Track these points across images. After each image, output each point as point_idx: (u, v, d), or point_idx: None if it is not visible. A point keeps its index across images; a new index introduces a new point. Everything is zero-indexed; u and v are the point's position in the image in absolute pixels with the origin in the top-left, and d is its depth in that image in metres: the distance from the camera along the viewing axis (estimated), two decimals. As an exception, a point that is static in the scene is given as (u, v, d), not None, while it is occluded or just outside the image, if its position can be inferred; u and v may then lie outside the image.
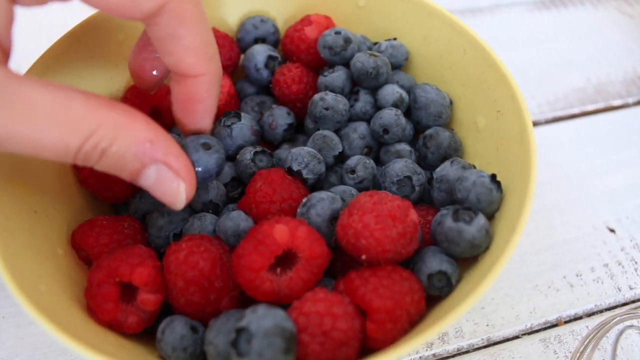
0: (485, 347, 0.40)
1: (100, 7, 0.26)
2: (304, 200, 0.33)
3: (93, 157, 0.25)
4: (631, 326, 0.36)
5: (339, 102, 0.37)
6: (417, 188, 0.35)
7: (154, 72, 0.34)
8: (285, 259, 0.30)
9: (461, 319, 0.41)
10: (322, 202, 0.32)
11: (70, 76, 0.37)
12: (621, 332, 0.35)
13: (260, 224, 0.30)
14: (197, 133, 0.33)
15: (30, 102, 0.24)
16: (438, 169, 0.35)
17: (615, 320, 0.36)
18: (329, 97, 0.37)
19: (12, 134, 0.24)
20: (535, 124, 0.53)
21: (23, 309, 0.26)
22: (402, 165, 0.35)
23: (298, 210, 0.32)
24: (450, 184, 0.34)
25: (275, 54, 0.42)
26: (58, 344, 0.39)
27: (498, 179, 0.32)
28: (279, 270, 0.29)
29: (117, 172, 0.27)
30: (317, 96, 0.37)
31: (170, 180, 0.28)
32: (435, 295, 0.31)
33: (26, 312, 0.26)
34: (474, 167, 0.35)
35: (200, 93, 0.31)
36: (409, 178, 0.35)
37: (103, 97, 0.26)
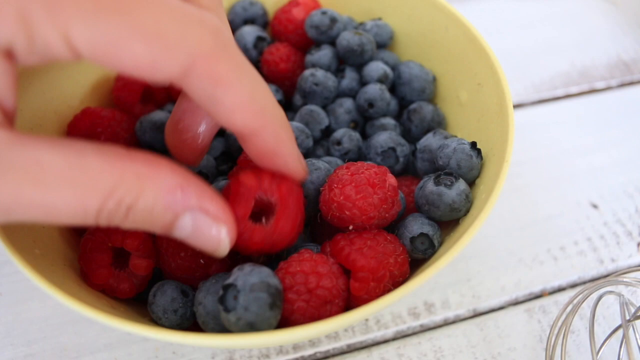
0: (471, 317, 0.41)
1: (117, 68, 0.23)
2: None
3: (118, 216, 0.23)
4: (611, 292, 0.37)
5: (328, 79, 0.39)
6: (401, 159, 0.36)
7: (199, 142, 0.32)
8: (266, 209, 0.30)
9: (447, 290, 0.42)
10: (319, 172, 0.33)
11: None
12: (600, 298, 0.36)
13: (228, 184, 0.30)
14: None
15: (38, 163, 0.21)
16: (421, 140, 0.36)
17: (594, 287, 0.37)
18: (319, 73, 0.38)
19: (20, 200, 0.21)
20: (520, 105, 0.54)
21: (20, 269, 0.27)
22: (386, 137, 0.36)
23: None
24: (433, 153, 0.35)
25: (264, 34, 0.43)
26: (52, 318, 0.40)
27: (478, 147, 0.33)
28: (263, 219, 0.29)
29: (147, 228, 0.24)
30: (307, 72, 0.39)
31: (209, 226, 0.25)
32: (419, 258, 0.32)
33: (23, 271, 0.27)
34: (456, 137, 0.36)
35: (268, 148, 0.27)
36: (393, 149, 0.36)
37: (119, 147, 0.23)
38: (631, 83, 0.56)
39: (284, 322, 0.28)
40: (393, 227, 0.33)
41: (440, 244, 0.32)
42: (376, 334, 0.40)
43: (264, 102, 0.26)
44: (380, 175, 0.31)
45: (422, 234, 0.31)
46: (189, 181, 0.24)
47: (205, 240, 0.25)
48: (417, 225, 0.32)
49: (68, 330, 0.39)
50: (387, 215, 0.31)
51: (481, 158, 0.33)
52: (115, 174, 0.22)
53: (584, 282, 0.43)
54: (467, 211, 0.32)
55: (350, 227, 0.31)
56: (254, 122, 0.26)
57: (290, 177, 0.29)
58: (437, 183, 0.31)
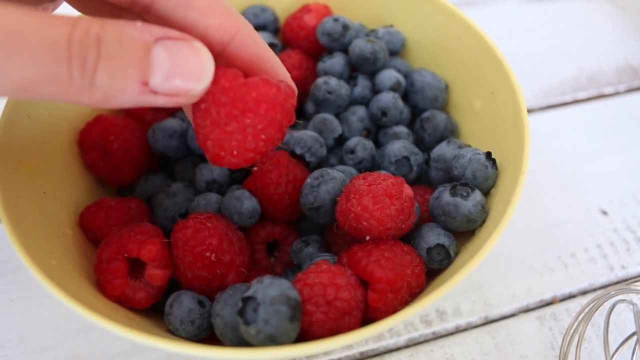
0: (482, 324, 0.41)
1: None
2: (317, 173, 0.33)
3: (91, 47, 0.21)
4: (623, 300, 0.37)
5: (341, 87, 0.39)
6: (415, 168, 0.36)
7: None
8: None
9: (459, 298, 0.42)
10: (334, 182, 0.33)
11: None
12: (613, 307, 0.36)
13: None
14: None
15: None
16: (435, 149, 0.36)
17: (606, 296, 0.37)
18: (332, 81, 0.38)
19: None
20: (529, 111, 0.54)
21: (36, 279, 0.27)
22: (400, 145, 0.36)
23: (308, 180, 0.33)
24: (447, 162, 0.35)
25: (275, 41, 0.43)
26: (65, 325, 0.40)
27: (493, 156, 0.33)
28: None
29: (124, 71, 0.22)
30: (320, 80, 0.39)
31: (183, 47, 0.23)
32: (435, 268, 0.32)
33: (40, 283, 0.27)
34: (470, 146, 0.36)
35: (250, 52, 0.27)
36: (407, 158, 0.36)
37: None
38: (639, 88, 0.56)
39: (303, 334, 0.28)
40: (408, 236, 0.33)
41: (456, 254, 0.32)
42: (389, 342, 0.40)
43: (232, 7, 0.27)
44: (397, 186, 0.31)
45: (438, 245, 0.31)
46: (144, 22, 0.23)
47: (187, 65, 0.24)
48: (433, 236, 0.32)
49: (80, 338, 0.39)
50: (403, 225, 0.31)
51: (496, 168, 0.33)
52: (73, 17, 0.21)
53: (595, 289, 0.43)
54: (483, 222, 0.32)
55: (367, 238, 0.31)
56: (228, 21, 0.26)
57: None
58: (454, 194, 0.31)
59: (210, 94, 0.26)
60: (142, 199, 0.38)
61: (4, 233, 0.44)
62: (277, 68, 0.29)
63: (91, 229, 0.35)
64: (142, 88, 0.22)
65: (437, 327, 0.41)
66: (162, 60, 0.23)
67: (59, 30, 0.21)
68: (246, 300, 0.27)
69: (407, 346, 0.40)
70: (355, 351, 0.39)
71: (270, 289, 0.27)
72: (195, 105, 0.26)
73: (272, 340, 0.26)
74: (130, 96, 0.23)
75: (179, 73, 0.23)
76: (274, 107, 0.26)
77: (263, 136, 0.27)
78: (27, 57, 0.20)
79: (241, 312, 0.27)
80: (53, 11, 0.31)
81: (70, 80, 0.21)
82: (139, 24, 0.23)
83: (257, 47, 0.27)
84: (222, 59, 0.27)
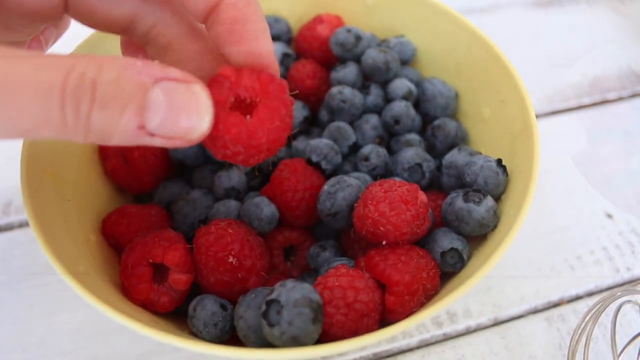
0: (492, 325, 0.42)
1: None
2: (334, 180, 0.35)
3: (86, 93, 0.21)
4: (629, 301, 0.38)
5: (355, 96, 0.40)
6: (427, 174, 0.38)
7: None
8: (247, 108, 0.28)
9: (469, 300, 0.43)
10: (350, 189, 0.34)
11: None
12: (619, 308, 0.37)
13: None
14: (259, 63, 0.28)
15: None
16: (447, 156, 0.37)
17: (613, 297, 0.38)
18: (346, 90, 0.40)
19: None
20: (534, 117, 0.55)
21: (68, 285, 0.28)
22: (412, 153, 0.38)
23: (325, 187, 0.34)
24: (458, 169, 0.36)
25: (289, 51, 0.44)
26: (84, 329, 0.41)
27: (503, 163, 0.35)
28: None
29: (119, 116, 0.22)
30: (335, 89, 0.40)
31: (182, 89, 0.23)
32: (449, 271, 0.33)
33: (73, 288, 0.28)
34: (481, 153, 0.37)
35: (242, 9, 0.26)
36: (420, 165, 0.37)
37: None
38: (642, 94, 0.58)
39: (323, 335, 0.29)
40: (422, 241, 0.34)
41: (469, 257, 0.33)
42: (401, 343, 0.41)
43: None
44: (412, 192, 0.32)
45: (452, 249, 0.33)
46: (144, 60, 0.23)
47: (184, 111, 0.23)
48: (447, 241, 0.33)
49: (100, 341, 0.40)
50: (418, 230, 0.32)
51: (507, 175, 0.34)
52: (71, 58, 0.21)
53: (601, 291, 0.44)
54: (495, 227, 0.33)
55: (384, 243, 0.32)
56: None
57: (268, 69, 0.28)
58: (466, 200, 0.32)
59: (212, 140, 0.26)
60: (162, 206, 0.39)
61: (22, 239, 0.46)
62: (261, 34, 0.27)
63: (113, 236, 0.36)
64: (139, 131, 0.22)
65: (448, 329, 0.42)
66: (159, 103, 0.22)
67: (53, 77, 0.21)
68: (270, 303, 0.28)
69: (419, 347, 0.41)
70: (369, 352, 0.40)
71: (293, 292, 0.28)
72: (203, 142, 0.27)
73: (295, 341, 0.27)
74: (126, 138, 0.22)
75: (176, 117, 0.23)
76: (275, 140, 0.27)
77: (268, 154, 0.28)
78: (20, 106, 0.20)
79: (265, 315, 0.28)
80: (57, 38, 0.32)
81: (64, 123, 0.21)
82: (139, 63, 0.22)
83: (247, 7, 0.27)
84: (215, 14, 0.27)
